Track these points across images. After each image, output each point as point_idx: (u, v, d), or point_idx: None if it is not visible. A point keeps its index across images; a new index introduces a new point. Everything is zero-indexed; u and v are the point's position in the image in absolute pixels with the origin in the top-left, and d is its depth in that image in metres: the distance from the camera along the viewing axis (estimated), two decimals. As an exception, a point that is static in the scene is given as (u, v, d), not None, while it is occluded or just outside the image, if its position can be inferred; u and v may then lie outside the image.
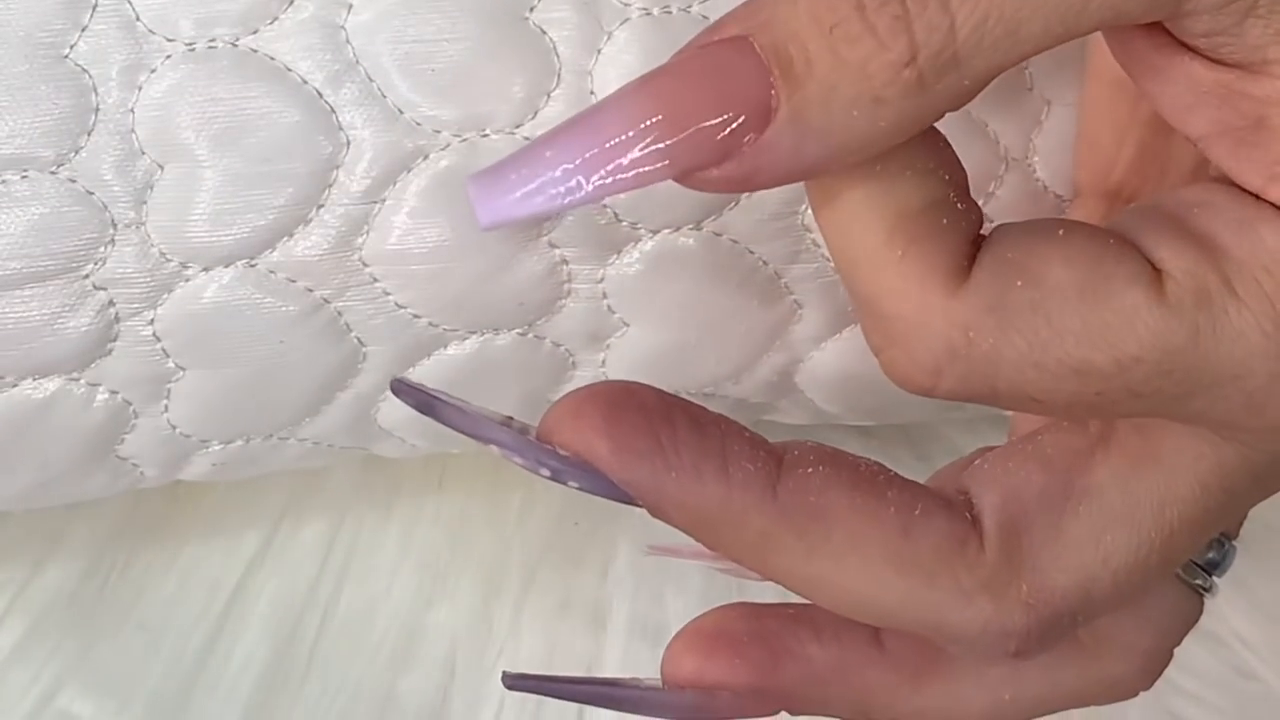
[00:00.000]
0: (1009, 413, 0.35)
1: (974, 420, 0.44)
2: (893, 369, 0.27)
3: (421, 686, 0.43)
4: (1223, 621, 0.46)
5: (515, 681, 0.31)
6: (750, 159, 0.24)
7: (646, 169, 0.25)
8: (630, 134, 0.24)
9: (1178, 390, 0.25)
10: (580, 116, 0.25)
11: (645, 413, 0.27)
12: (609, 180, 0.25)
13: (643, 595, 0.44)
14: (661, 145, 0.24)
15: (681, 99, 0.24)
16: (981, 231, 0.27)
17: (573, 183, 0.25)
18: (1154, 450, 0.28)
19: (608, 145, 0.25)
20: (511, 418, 0.28)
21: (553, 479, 0.27)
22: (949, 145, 0.26)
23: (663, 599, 0.44)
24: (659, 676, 0.31)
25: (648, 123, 0.24)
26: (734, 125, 0.24)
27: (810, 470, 0.28)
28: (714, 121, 0.24)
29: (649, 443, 0.27)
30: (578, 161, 0.25)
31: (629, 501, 0.27)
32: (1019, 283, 0.25)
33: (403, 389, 0.28)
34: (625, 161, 0.25)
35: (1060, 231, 0.26)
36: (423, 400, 0.28)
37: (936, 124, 0.26)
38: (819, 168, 0.25)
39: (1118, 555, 0.28)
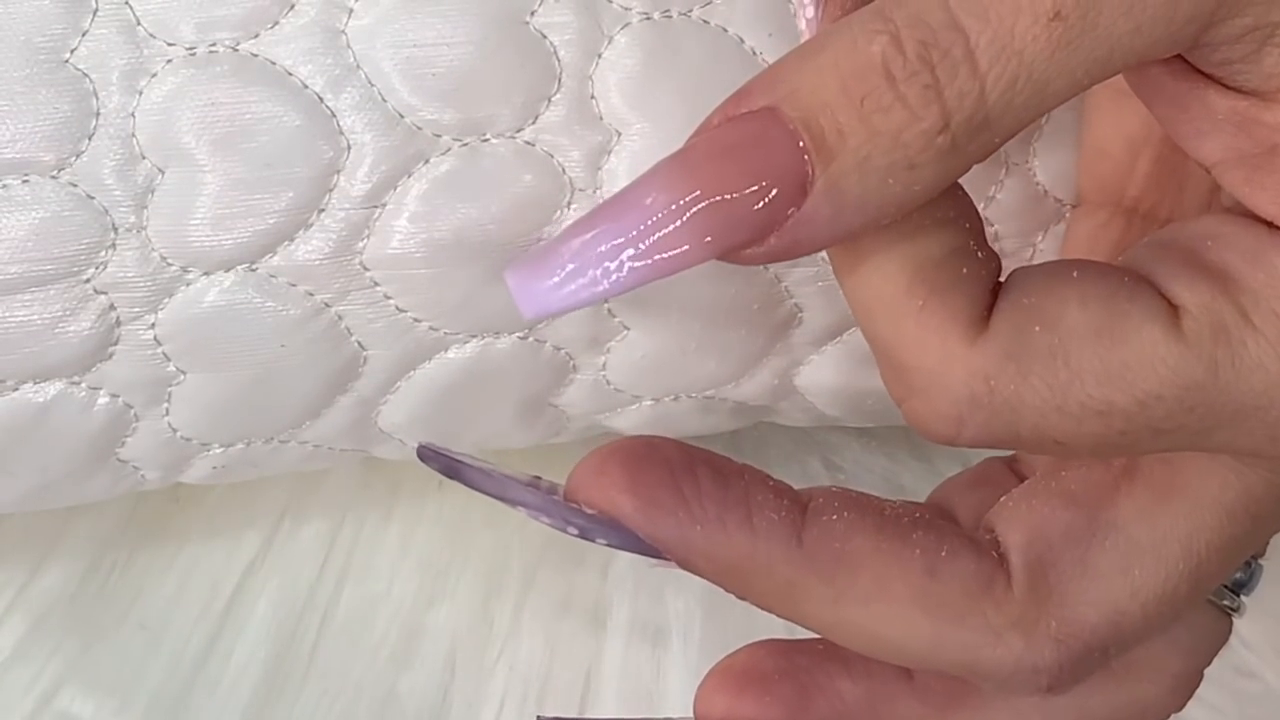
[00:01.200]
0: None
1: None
2: (915, 419, 0.27)
3: (422, 686, 0.43)
4: (1222, 621, 0.46)
5: None
6: (790, 232, 0.24)
7: (687, 248, 0.24)
8: (667, 213, 0.24)
9: (1200, 425, 0.25)
10: (615, 199, 0.25)
11: (668, 467, 0.27)
12: (649, 262, 0.24)
13: (643, 595, 0.44)
14: (700, 223, 0.24)
15: (716, 175, 0.24)
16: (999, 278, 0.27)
17: (612, 265, 0.24)
18: (1179, 481, 0.28)
19: (645, 226, 0.24)
20: (539, 477, 0.28)
21: (581, 537, 0.27)
22: (967, 194, 0.27)
23: (663, 599, 0.44)
24: (691, 714, 0.31)
25: (684, 200, 0.24)
26: (770, 199, 0.24)
27: (835, 516, 0.28)
28: (750, 196, 0.24)
29: (673, 496, 0.27)
30: (615, 244, 0.24)
31: (656, 555, 0.27)
32: (1036, 328, 0.25)
33: (429, 454, 0.28)
34: (664, 242, 0.24)
35: (1075, 273, 0.26)
36: (448, 465, 0.28)
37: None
38: (856, 234, 0.25)
39: (1146, 588, 0.28)
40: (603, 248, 0.24)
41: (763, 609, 0.28)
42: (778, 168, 0.24)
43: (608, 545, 0.27)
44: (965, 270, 0.26)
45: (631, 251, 0.24)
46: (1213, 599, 0.31)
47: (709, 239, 0.24)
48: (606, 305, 0.36)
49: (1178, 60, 0.25)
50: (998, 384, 0.25)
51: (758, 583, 0.28)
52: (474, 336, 0.36)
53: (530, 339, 0.36)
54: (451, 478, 0.28)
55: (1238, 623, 0.45)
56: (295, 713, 0.42)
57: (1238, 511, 0.27)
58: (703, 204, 0.24)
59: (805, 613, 0.28)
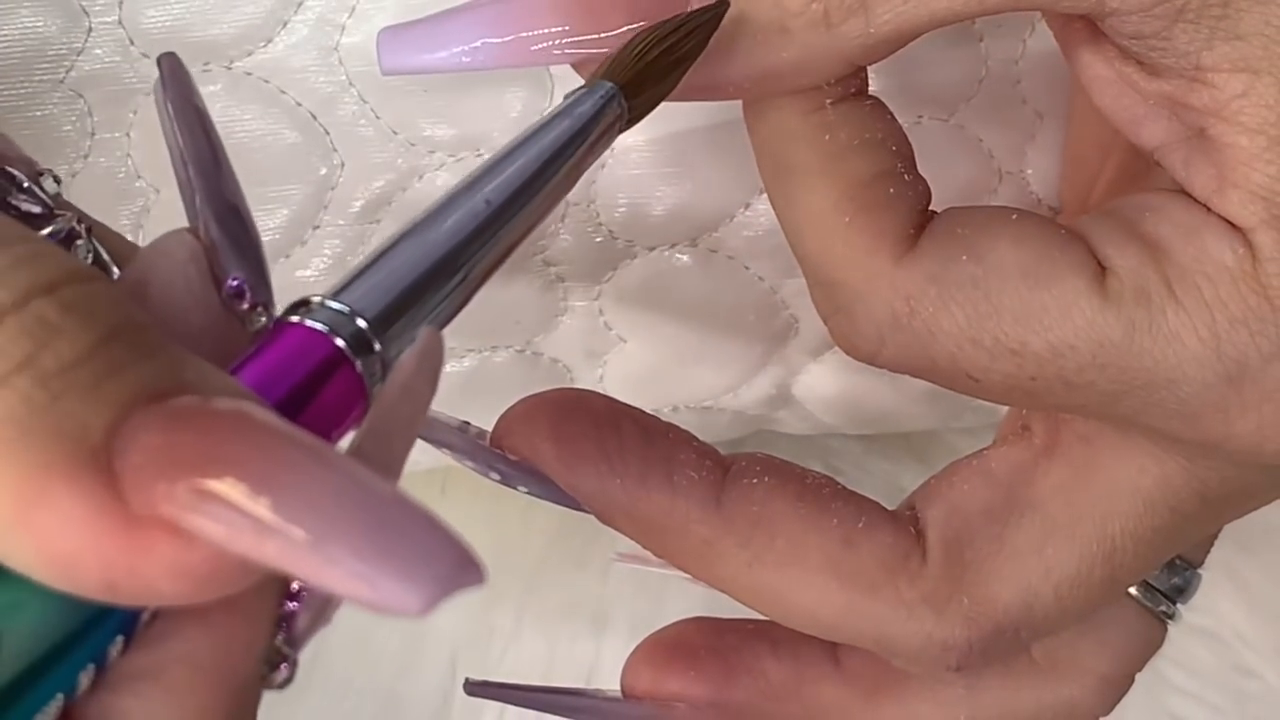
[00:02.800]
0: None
1: (978, 428, 0.44)
2: (838, 336, 0.27)
3: (423, 690, 0.43)
4: (1222, 620, 0.46)
5: (477, 689, 0.31)
6: None
7: (547, 52, 0.26)
8: (540, 21, 0.25)
9: (1111, 386, 0.26)
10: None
11: (594, 420, 0.28)
12: (510, 57, 0.26)
13: (643, 598, 0.44)
14: (567, 37, 0.26)
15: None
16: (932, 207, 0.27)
17: (478, 44, 0.26)
18: (1097, 461, 0.28)
19: (520, 31, 0.26)
20: (468, 423, 0.28)
21: (503, 483, 0.28)
22: (895, 120, 0.27)
23: (663, 602, 0.44)
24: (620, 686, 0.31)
25: (560, 13, 0.25)
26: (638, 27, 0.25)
27: (755, 481, 0.28)
28: (622, 26, 0.25)
29: (596, 448, 0.28)
30: (486, 39, 0.26)
31: (576, 507, 0.28)
32: (964, 256, 0.26)
33: None
34: (530, 45, 0.26)
35: (1014, 216, 0.26)
36: None
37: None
38: (712, 89, 0.26)
39: (1059, 568, 0.28)
40: (475, 35, 0.26)
41: (679, 569, 0.29)
42: (656, 4, 0.25)
43: (529, 494, 0.28)
44: (893, 191, 0.26)
45: (498, 42, 0.26)
46: (1148, 604, 0.31)
47: (567, 51, 0.26)
48: (603, 319, 0.36)
49: (1105, 45, 0.26)
50: (918, 305, 0.26)
51: (674, 541, 0.28)
52: (471, 350, 0.36)
53: (528, 352, 0.36)
54: None
55: (1238, 622, 0.46)
56: (296, 715, 0.42)
57: (1156, 501, 0.28)
58: (577, 20, 0.25)
59: (720, 575, 0.28)
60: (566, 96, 0.24)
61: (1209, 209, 0.26)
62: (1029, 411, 0.30)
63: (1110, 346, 0.25)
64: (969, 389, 0.27)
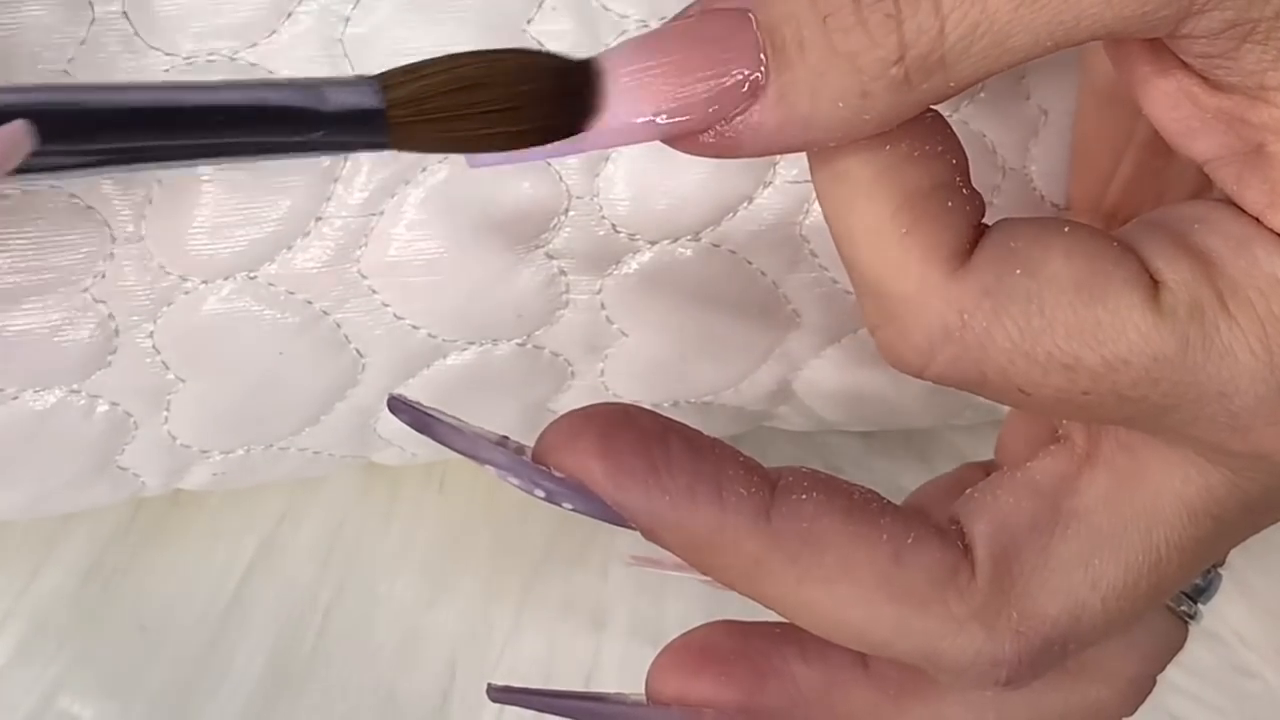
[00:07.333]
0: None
1: (977, 426, 0.44)
2: (887, 347, 0.27)
3: (422, 688, 0.43)
4: (1222, 620, 0.46)
5: (500, 695, 0.31)
6: (734, 131, 0.25)
7: (636, 124, 0.25)
8: (623, 88, 0.25)
9: (1164, 401, 0.26)
10: None
11: (641, 435, 0.28)
12: (595, 136, 0.25)
13: (643, 597, 0.44)
14: (652, 103, 0.25)
15: (677, 62, 0.25)
16: (985, 221, 0.27)
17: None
18: (1141, 471, 0.28)
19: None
20: (507, 438, 0.28)
21: (547, 500, 0.27)
22: (953, 131, 0.27)
23: (663, 601, 0.44)
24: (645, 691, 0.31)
25: (643, 79, 0.25)
26: (722, 96, 0.25)
27: (804, 496, 0.28)
28: (703, 89, 0.25)
29: (644, 465, 0.27)
30: None
31: (623, 524, 0.27)
32: (1017, 270, 0.25)
33: (399, 407, 0.28)
34: (616, 117, 0.25)
35: (1065, 229, 0.26)
36: (419, 419, 0.28)
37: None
38: (798, 148, 0.25)
39: (1106, 579, 0.28)
40: None
41: (725, 586, 0.28)
42: (735, 68, 0.25)
43: (573, 510, 0.28)
44: (950, 204, 0.26)
45: None
46: (1170, 604, 0.31)
47: (657, 119, 0.25)
48: (605, 312, 0.36)
49: (1167, 57, 0.26)
50: (971, 319, 0.25)
51: (722, 558, 0.28)
52: (472, 343, 0.36)
53: (529, 345, 0.36)
54: (421, 432, 0.28)
55: (1238, 622, 0.46)
56: (296, 715, 0.42)
57: (1199, 510, 0.27)
58: (659, 85, 0.25)
59: (768, 592, 0.28)
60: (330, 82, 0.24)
61: (1260, 222, 0.26)
62: (1068, 422, 0.29)
63: (1164, 361, 0.25)
64: (1019, 403, 0.27)
